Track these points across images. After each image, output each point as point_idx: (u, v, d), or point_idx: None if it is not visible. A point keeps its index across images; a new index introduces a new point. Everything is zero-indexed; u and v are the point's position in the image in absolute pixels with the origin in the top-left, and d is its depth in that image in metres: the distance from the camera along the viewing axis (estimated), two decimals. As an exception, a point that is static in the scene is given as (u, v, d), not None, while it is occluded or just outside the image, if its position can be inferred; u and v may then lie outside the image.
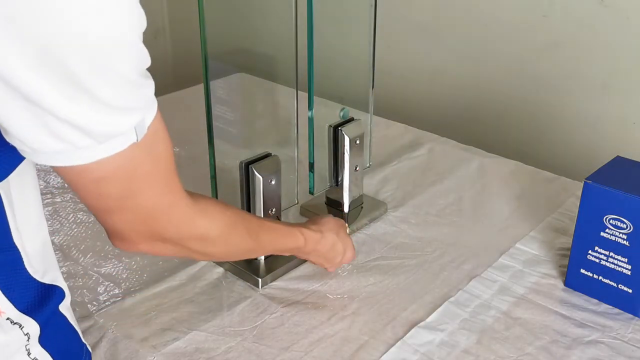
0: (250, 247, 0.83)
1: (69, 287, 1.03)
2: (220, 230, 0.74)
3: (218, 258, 0.84)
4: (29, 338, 0.64)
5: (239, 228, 0.79)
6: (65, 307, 0.70)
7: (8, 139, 0.52)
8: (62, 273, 1.06)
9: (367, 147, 1.22)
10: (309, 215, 1.21)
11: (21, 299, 0.63)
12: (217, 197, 1.03)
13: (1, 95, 0.48)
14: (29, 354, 0.65)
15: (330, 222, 1.01)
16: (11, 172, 0.59)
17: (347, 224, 1.09)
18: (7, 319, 0.62)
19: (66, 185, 1.32)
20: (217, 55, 0.96)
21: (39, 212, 0.68)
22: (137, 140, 0.55)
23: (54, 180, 1.34)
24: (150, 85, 0.55)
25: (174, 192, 0.64)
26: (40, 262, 0.67)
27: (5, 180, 0.59)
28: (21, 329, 0.63)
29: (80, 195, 0.60)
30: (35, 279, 0.65)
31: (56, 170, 0.56)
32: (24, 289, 0.64)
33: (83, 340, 0.74)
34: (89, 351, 0.76)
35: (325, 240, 0.98)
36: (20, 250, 0.63)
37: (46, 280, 0.67)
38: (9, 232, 0.62)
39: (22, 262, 0.64)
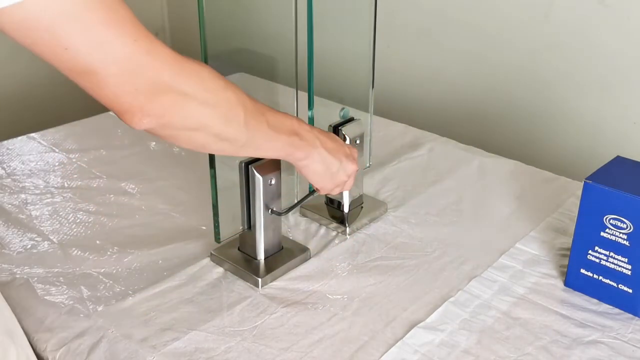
0: (258, 114, 0.79)
1: (69, 286, 1.03)
2: (220, 80, 0.72)
3: (233, 115, 0.76)
4: None
5: (241, 92, 0.77)
6: None
7: None
8: (62, 273, 1.06)
9: (367, 147, 1.22)
10: (309, 216, 1.21)
11: None
12: (217, 198, 1.03)
13: None
14: None
15: None
16: None
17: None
18: None
19: (66, 185, 1.32)
20: (217, 55, 0.96)
21: None
22: None
23: (53, 180, 1.34)
24: None
25: (147, 36, 0.62)
26: None
27: None
28: None
29: (54, 62, 0.59)
30: None
31: (10, 30, 0.56)
32: None
33: None
34: None
35: (320, 130, 0.93)
36: None
37: None
38: None
39: None
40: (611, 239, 0.96)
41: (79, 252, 1.11)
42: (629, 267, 0.95)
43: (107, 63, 0.60)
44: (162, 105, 0.66)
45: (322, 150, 0.92)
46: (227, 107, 0.74)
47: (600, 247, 0.98)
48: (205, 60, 0.94)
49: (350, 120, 1.16)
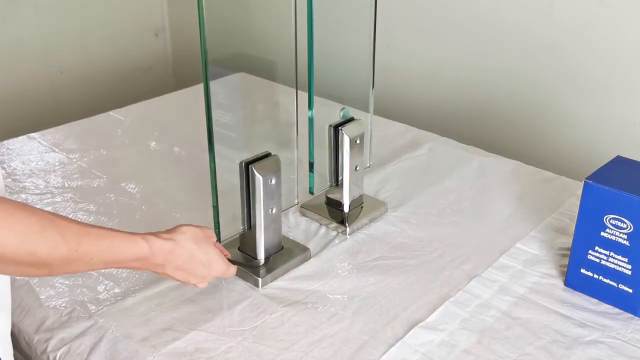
0: (66, 255, 0.71)
1: (70, 286, 1.03)
2: (21, 238, 0.65)
3: (30, 272, 0.71)
4: None
5: (49, 232, 0.69)
6: None
7: None
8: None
9: (367, 147, 1.22)
10: (309, 215, 1.21)
11: None
12: (217, 199, 1.03)
13: None
14: None
15: (188, 231, 0.91)
16: None
17: (215, 236, 0.98)
18: None
19: (66, 185, 1.32)
20: (217, 58, 0.95)
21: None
22: None
23: (54, 180, 1.34)
24: None
25: None
26: None
27: None
28: None
29: None
30: None
31: None
32: None
33: None
34: None
35: (181, 249, 0.88)
36: None
37: None
38: None
39: None
40: (611, 239, 0.96)
41: (79, 252, 1.11)
42: (629, 267, 0.95)
43: None
44: None
45: (168, 268, 0.88)
46: (40, 261, 0.69)
47: (600, 247, 0.98)
48: (205, 61, 0.94)
49: (350, 120, 1.16)
